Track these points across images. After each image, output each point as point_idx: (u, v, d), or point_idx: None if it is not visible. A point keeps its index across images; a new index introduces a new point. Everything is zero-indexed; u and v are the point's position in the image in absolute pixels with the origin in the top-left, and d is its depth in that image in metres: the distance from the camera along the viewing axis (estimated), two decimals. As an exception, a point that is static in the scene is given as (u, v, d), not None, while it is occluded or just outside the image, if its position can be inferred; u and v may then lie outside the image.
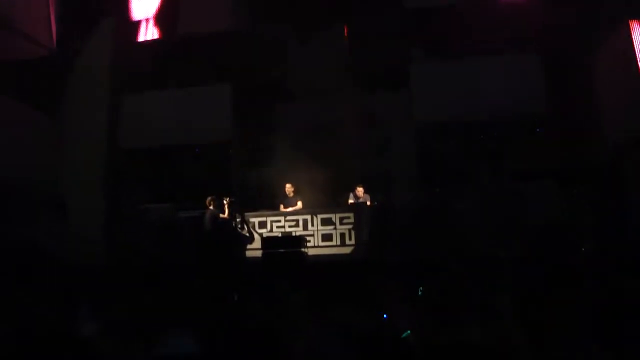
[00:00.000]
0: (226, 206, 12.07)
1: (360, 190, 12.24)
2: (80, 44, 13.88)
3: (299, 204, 12.53)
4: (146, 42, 14.46)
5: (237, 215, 12.28)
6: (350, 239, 11.88)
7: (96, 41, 13.99)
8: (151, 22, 14.54)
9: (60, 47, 12.84)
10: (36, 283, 7.86)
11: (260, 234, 12.15)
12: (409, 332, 4.67)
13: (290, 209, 12.48)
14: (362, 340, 4.33)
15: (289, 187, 12.65)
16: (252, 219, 12.37)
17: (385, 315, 5.51)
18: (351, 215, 11.97)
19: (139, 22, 14.57)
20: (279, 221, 12.31)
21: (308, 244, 11.64)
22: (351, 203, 12.28)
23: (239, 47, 13.75)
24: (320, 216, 12.12)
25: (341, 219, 11.99)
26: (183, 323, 5.18)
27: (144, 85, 14.09)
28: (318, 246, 11.92)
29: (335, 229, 11.98)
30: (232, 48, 13.74)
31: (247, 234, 12.24)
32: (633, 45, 9.73)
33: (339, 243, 11.89)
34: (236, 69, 13.89)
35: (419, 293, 7.41)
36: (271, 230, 12.31)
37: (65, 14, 13.08)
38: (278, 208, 12.63)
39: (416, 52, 13.45)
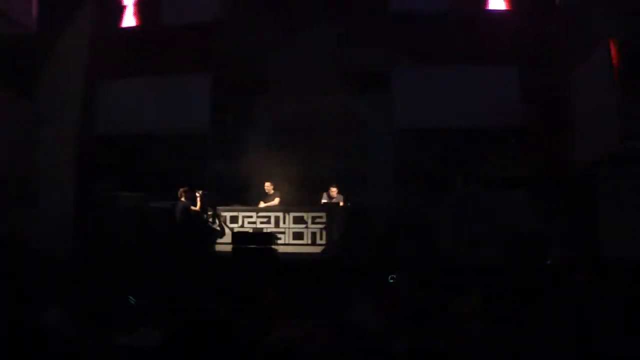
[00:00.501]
0: (198, 199, 11.96)
1: (334, 191, 12.26)
2: (60, 26, 13.64)
3: (276, 200, 12.53)
4: (127, 29, 14.29)
5: (208, 208, 12.19)
6: (321, 238, 11.92)
7: (76, 25, 13.74)
8: (133, 9, 14.37)
9: (39, 28, 12.60)
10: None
11: (231, 229, 12.09)
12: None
13: (264, 205, 12.46)
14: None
15: (268, 185, 12.68)
16: (223, 213, 12.32)
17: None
18: (323, 214, 12.00)
19: (121, 8, 14.39)
20: (251, 217, 12.29)
21: (279, 242, 11.62)
22: (324, 203, 12.27)
23: (222, 37, 13.65)
24: (292, 214, 12.15)
25: (313, 218, 12.02)
26: (148, 315, 5.13)
27: (121, 72, 13.89)
28: (289, 244, 11.93)
29: (306, 227, 12.02)
30: (215, 38, 13.64)
31: (218, 228, 12.16)
32: (611, 62, 9.84)
33: (310, 242, 11.93)
34: (217, 59, 13.77)
35: (390, 281, 7.46)
36: (242, 226, 12.27)
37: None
38: (256, 204, 12.61)
39: (399, 57, 13.45)
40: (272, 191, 12.66)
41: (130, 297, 6.23)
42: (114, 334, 4.73)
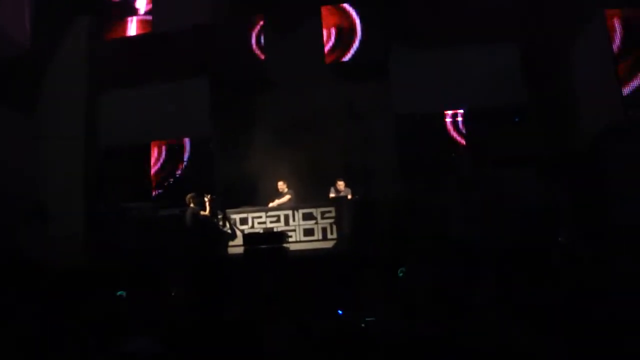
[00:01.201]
0: (207, 203, 11.95)
1: (341, 184, 12.20)
2: (56, 41, 13.68)
3: (286, 197, 12.46)
4: (122, 39, 14.33)
5: (218, 212, 12.19)
6: (332, 233, 11.88)
7: (72, 39, 13.80)
8: (128, 19, 14.41)
9: (35, 45, 12.64)
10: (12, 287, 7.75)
11: (242, 231, 12.08)
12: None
13: (275, 203, 12.40)
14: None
15: (281, 184, 12.56)
16: (233, 216, 12.29)
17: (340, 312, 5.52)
18: (332, 209, 11.94)
19: (115, 19, 14.43)
20: (260, 217, 12.26)
21: (290, 240, 11.61)
22: (332, 197, 12.23)
23: (215, 40, 13.65)
24: (301, 211, 12.09)
25: (322, 214, 11.98)
26: (154, 323, 5.13)
27: (121, 83, 13.93)
28: (300, 241, 11.90)
29: (316, 223, 11.96)
30: (209, 41, 13.65)
31: (229, 231, 12.16)
32: (609, 34, 9.76)
33: (320, 237, 11.89)
34: (214, 62, 13.78)
35: (399, 274, 7.42)
36: (253, 227, 12.25)
37: (40, 10, 12.88)
38: (265, 204, 12.55)
39: (395, 42, 13.38)
40: (285, 189, 12.57)
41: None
42: (115, 342, 4.72)
